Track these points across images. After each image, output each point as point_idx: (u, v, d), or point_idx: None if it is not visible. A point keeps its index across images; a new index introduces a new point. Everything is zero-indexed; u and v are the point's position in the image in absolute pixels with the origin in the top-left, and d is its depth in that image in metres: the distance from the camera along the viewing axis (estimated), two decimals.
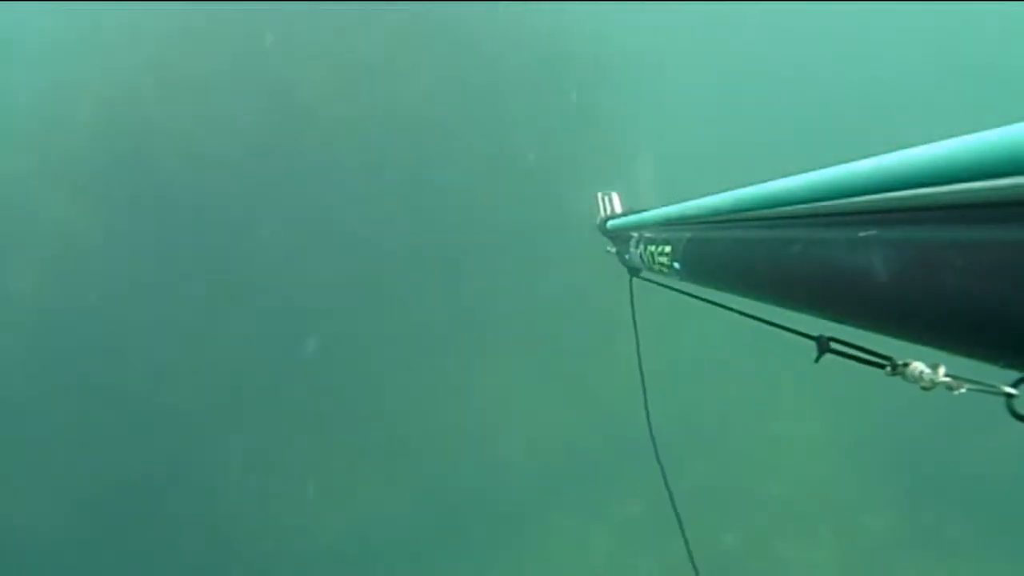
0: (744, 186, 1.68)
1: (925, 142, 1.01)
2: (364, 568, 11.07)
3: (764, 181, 1.58)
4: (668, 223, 2.51)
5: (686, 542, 2.82)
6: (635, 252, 2.94)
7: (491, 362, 12.70)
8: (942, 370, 1.32)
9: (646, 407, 3.39)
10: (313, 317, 12.26)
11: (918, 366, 1.33)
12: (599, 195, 3.86)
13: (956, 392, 1.33)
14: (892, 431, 12.50)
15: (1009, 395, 1.22)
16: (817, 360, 1.58)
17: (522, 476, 11.79)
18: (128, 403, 11.36)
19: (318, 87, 13.74)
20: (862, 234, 1.23)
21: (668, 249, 2.42)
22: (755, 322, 2.00)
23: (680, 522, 2.92)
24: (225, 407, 11.51)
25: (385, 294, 12.72)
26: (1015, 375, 1.17)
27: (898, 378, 1.38)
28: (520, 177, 13.89)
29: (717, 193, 1.85)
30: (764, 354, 13.30)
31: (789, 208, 1.47)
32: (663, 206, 2.54)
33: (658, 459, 3.20)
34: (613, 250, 3.56)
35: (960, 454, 12.08)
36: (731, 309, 2.12)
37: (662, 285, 2.73)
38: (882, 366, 1.42)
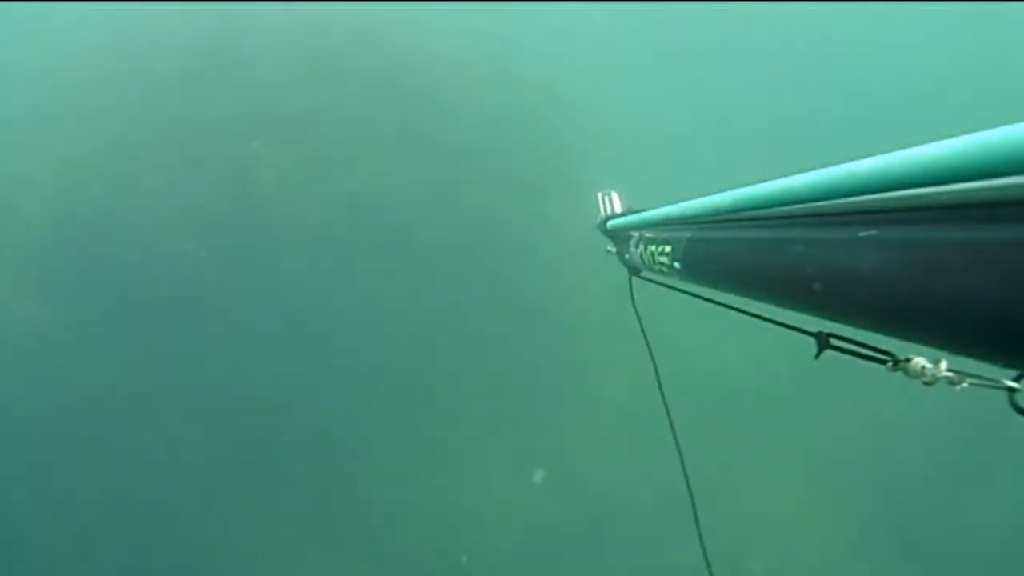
0: (744, 186, 1.68)
1: (925, 142, 1.01)
2: None
3: (764, 181, 1.58)
4: (668, 223, 2.52)
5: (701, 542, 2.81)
6: (635, 252, 2.95)
7: (465, 443, 12.28)
8: (943, 365, 1.31)
9: (668, 416, 3.37)
10: (282, 407, 11.70)
11: (920, 361, 1.33)
12: (599, 195, 3.86)
13: (958, 387, 1.33)
14: (878, 497, 12.38)
15: (1011, 389, 1.22)
16: (817, 356, 1.57)
17: (500, 558, 11.44)
18: (98, 495, 10.78)
19: (276, 172, 13.39)
20: (863, 234, 1.23)
21: (668, 249, 2.42)
22: (753, 321, 2.00)
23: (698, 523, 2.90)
24: (194, 493, 10.95)
25: (353, 379, 12.16)
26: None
27: (898, 376, 1.38)
28: (494, 240, 13.56)
29: (718, 193, 1.85)
30: (738, 425, 13.09)
31: (789, 208, 1.47)
32: (663, 206, 2.54)
33: (685, 476, 3.17)
34: (613, 250, 3.57)
35: (949, 518, 12.05)
36: (731, 308, 2.12)
37: (662, 284, 2.73)
38: (883, 361, 1.42)
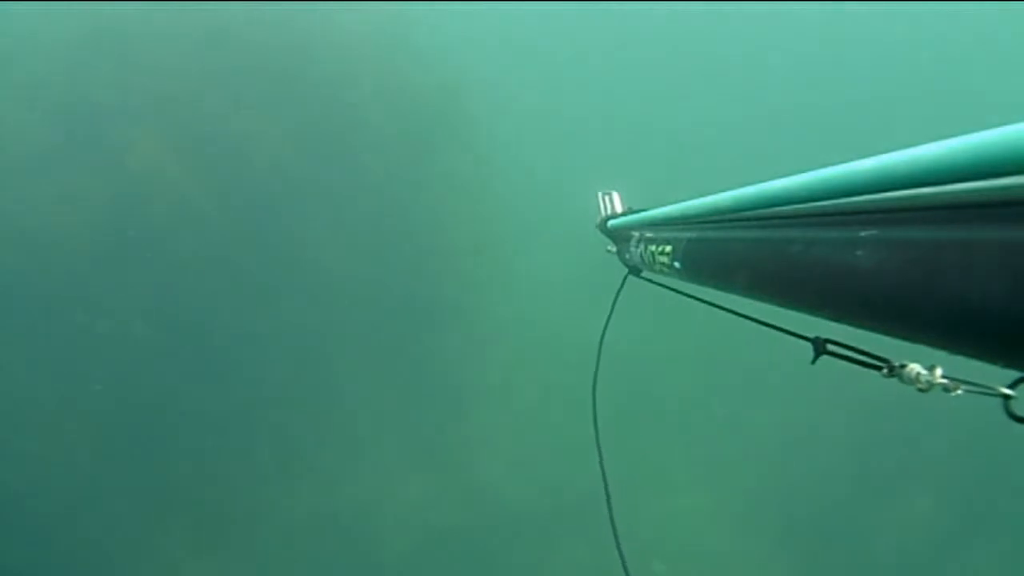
0: (744, 186, 1.68)
1: (924, 142, 1.01)
2: None
3: (764, 181, 1.58)
4: (668, 222, 2.51)
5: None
6: (635, 251, 2.95)
7: (367, 447, 12.09)
8: (939, 372, 1.32)
9: (594, 412, 3.37)
10: (167, 407, 11.20)
11: (915, 368, 1.33)
12: (600, 194, 3.85)
13: (953, 394, 1.33)
14: (784, 502, 12.29)
15: (1007, 396, 1.22)
16: (814, 361, 1.57)
17: (396, 560, 11.32)
18: None
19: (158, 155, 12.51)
20: (863, 233, 1.23)
21: (668, 249, 2.42)
22: (750, 325, 2.00)
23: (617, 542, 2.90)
24: (78, 496, 10.50)
25: (242, 378, 11.72)
26: (1012, 376, 1.17)
27: (895, 380, 1.38)
28: (392, 239, 13.20)
29: (717, 193, 1.85)
30: (649, 425, 12.91)
31: (790, 208, 1.47)
32: (664, 205, 2.54)
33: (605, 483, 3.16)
34: (613, 249, 3.56)
35: (853, 525, 11.99)
36: (728, 310, 2.12)
37: (662, 285, 2.73)
38: (879, 368, 1.42)
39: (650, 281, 2.98)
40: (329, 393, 12.16)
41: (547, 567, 11.60)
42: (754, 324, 1.98)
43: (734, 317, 2.11)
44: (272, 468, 11.47)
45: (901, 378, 1.36)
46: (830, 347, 1.53)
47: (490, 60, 15.95)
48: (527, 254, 14.53)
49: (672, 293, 2.61)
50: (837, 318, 1.39)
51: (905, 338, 1.18)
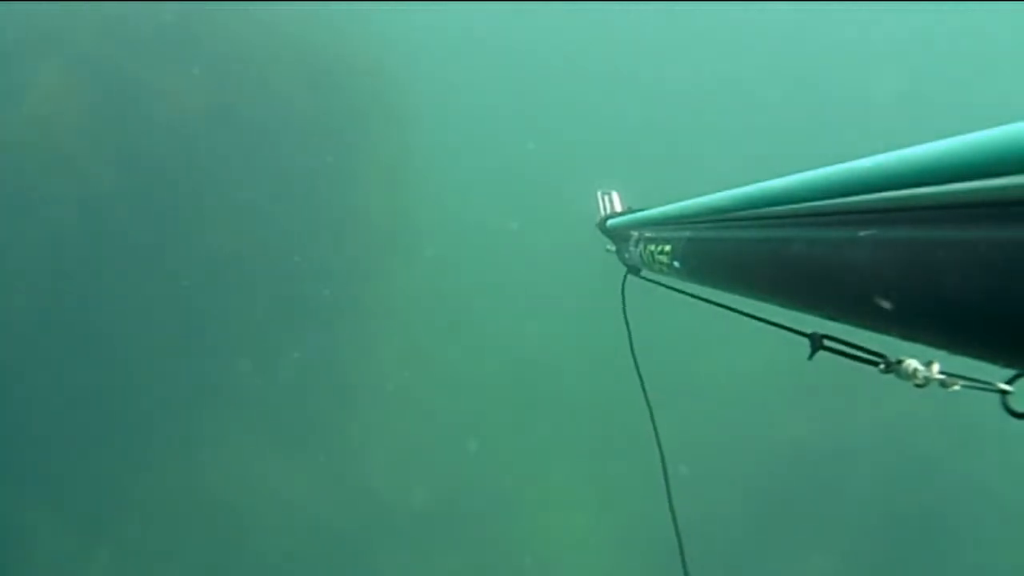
0: (744, 186, 1.68)
1: (924, 141, 1.01)
2: None
3: (764, 181, 1.58)
4: (668, 222, 2.52)
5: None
6: (635, 251, 2.95)
7: (232, 436, 11.76)
8: (936, 367, 1.32)
9: (652, 419, 3.34)
10: (47, 396, 10.77)
11: (912, 363, 1.33)
12: (599, 193, 3.85)
13: (950, 389, 1.33)
14: (662, 524, 12.08)
15: (1004, 392, 1.22)
16: (811, 357, 1.57)
17: (266, 557, 11.09)
18: None
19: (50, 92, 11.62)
20: (862, 233, 1.23)
21: (668, 248, 2.42)
22: (750, 322, 2.00)
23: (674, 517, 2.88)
24: None
25: (126, 369, 11.28)
26: (1010, 371, 1.17)
27: (892, 376, 1.38)
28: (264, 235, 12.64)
29: (717, 192, 1.85)
30: (534, 440, 12.81)
31: (789, 207, 1.47)
32: (663, 205, 2.54)
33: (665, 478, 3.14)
34: (613, 249, 3.56)
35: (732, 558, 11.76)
36: (726, 307, 2.12)
37: (661, 284, 2.73)
38: (875, 363, 1.42)
39: (649, 280, 2.98)
40: (209, 381, 11.74)
41: (422, 570, 11.49)
42: (753, 321, 1.99)
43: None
44: (144, 460, 11.10)
45: (898, 373, 1.36)
46: (827, 343, 1.53)
47: (423, 42, 15.50)
48: (435, 249, 14.32)
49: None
50: (836, 317, 1.39)
51: (904, 337, 1.18)
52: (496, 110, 16.86)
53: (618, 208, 3.75)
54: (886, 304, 1.13)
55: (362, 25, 14.49)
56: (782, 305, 1.60)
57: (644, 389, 3.35)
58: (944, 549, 12.00)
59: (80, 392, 10.93)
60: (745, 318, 1.90)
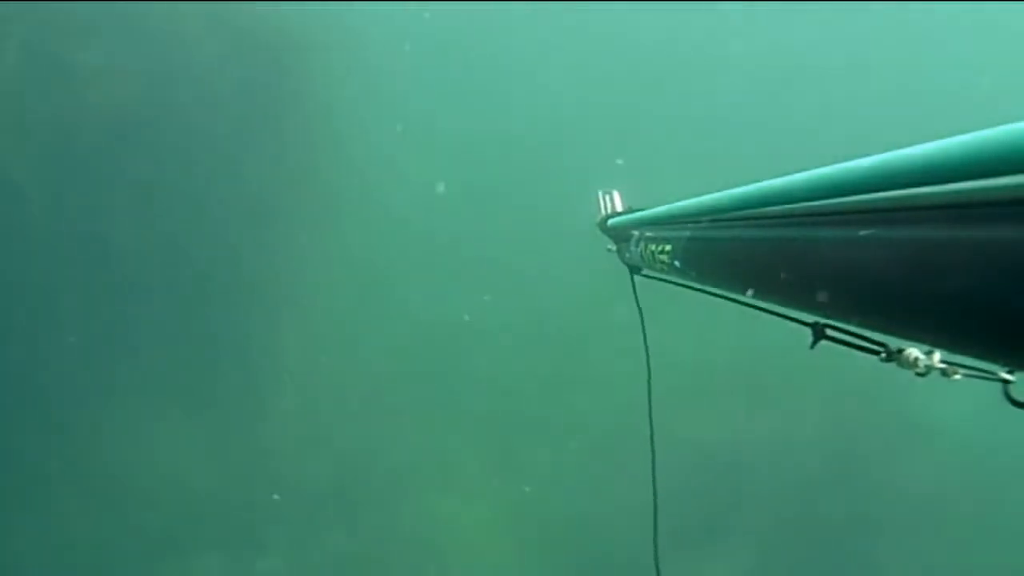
0: (744, 185, 1.68)
1: (924, 141, 1.02)
2: None
3: (764, 180, 1.58)
4: (668, 221, 2.52)
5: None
6: (635, 250, 2.95)
7: (129, 406, 11.53)
8: (937, 356, 1.32)
9: (651, 420, 3.34)
10: None
11: (913, 352, 1.33)
12: (600, 193, 3.86)
13: (951, 378, 1.33)
14: (561, 520, 11.79)
15: (1006, 381, 1.22)
16: (813, 346, 1.57)
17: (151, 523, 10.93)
18: None
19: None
20: (862, 233, 1.23)
21: (668, 247, 2.42)
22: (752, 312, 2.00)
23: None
24: None
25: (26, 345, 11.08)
26: None
27: (892, 365, 1.39)
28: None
29: (718, 192, 1.85)
30: (439, 423, 12.55)
31: (789, 207, 1.47)
32: (664, 204, 2.55)
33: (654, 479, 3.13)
34: (613, 248, 3.57)
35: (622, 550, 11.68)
36: (729, 298, 2.12)
37: (663, 280, 2.74)
38: (877, 352, 1.42)
39: (650, 278, 2.99)
40: (113, 363, 11.54)
41: (309, 547, 11.35)
42: (756, 311, 1.99)
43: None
44: (37, 421, 10.91)
45: (899, 362, 1.36)
46: (829, 332, 1.53)
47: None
48: (350, 232, 13.99)
49: None
50: (836, 317, 1.39)
51: (905, 337, 1.18)
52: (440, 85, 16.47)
53: (619, 208, 3.75)
54: (885, 304, 1.13)
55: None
56: (782, 304, 1.60)
57: (650, 387, 3.35)
58: (861, 551, 11.89)
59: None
60: (749, 308, 1.90)
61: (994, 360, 1.00)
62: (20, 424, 10.76)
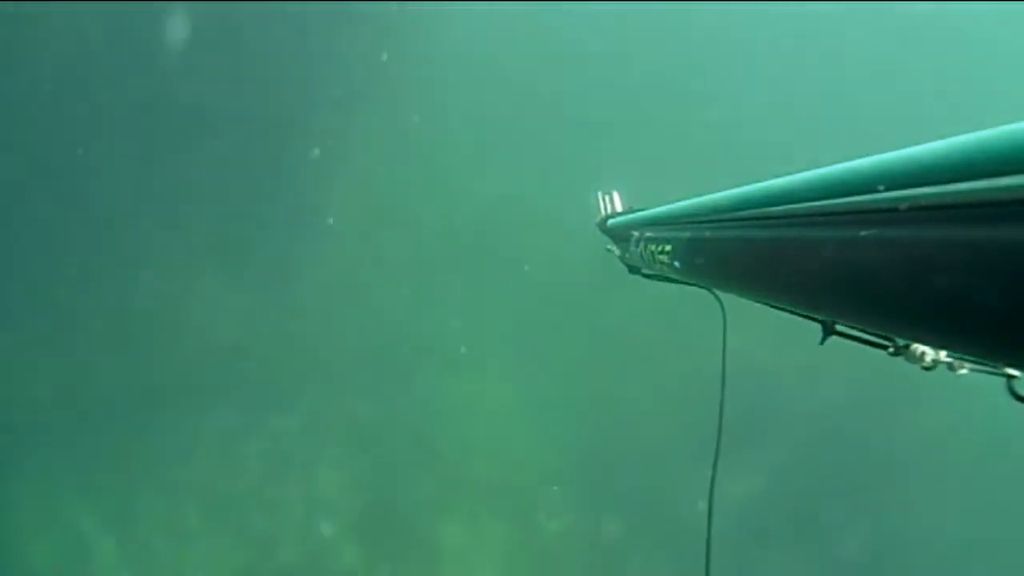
0: (744, 185, 1.68)
1: (925, 141, 1.01)
2: None
3: (764, 180, 1.58)
4: (668, 222, 2.52)
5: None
6: (635, 251, 2.95)
7: (168, 259, 11.41)
8: (943, 351, 1.34)
9: (721, 413, 3.26)
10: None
11: (919, 347, 1.36)
12: (599, 194, 3.86)
13: (957, 373, 1.35)
14: (590, 410, 11.75)
15: (1010, 376, 1.23)
16: (822, 341, 1.60)
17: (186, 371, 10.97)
18: None
19: None
20: (863, 233, 1.23)
21: (668, 248, 2.42)
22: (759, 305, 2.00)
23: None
24: None
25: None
26: None
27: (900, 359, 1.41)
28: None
29: (718, 192, 1.85)
30: (477, 299, 12.39)
31: (789, 207, 1.47)
32: (664, 205, 2.55)
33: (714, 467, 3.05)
34: (613, 248, 3.57)
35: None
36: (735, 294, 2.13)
37: (663, 280, 2.73)
38: (884, 347, 1.44)
39: (651, 278, 2.99)
40: (156, 214, 11.45)
41: (335, 407, 11.34)
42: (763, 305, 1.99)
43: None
44: (87, 272, 10.95)
45: (906, 356, 1.39)
46: (838, 327, 1.55)
47: None
48: (405, 104, 13.81)
49: None
50: (837, 318, 1.39)
51: (906, 338, 1.18)
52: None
53: (619, 208, 3.75)
54: (886, 305, 1.13)
55: None
56: (782, 306, 1.60)
57: (723, 396, 3.25)
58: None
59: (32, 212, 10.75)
60: (756, 303, 1.91)
61: (999, 361, 0.99)
62: (54, 265, 10.79)
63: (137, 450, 10.60)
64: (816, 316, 1.49)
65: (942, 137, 0.97)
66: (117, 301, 11.14)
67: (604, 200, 3.84)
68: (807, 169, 1.37)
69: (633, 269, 3.26)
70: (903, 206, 1.13)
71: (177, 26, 11.74)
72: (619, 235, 3.38)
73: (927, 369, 1.37)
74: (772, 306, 1.86)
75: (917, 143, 1.03)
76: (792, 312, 1.74)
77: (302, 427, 11.24)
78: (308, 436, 11.24)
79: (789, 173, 1.44)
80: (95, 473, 10.47)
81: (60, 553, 10.14)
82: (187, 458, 10.76)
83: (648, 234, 2.79)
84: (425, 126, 14.01)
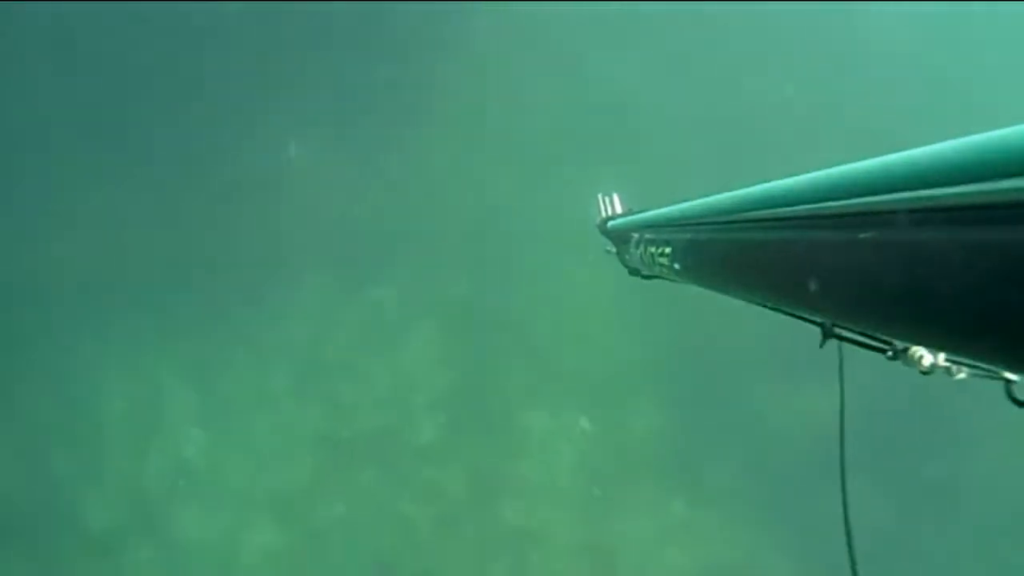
0: (744, 186, 1.67)
1: (926, 143, 1.01)
2: None
3: (764, 182, 1.58)
4: (668, 224, 2.52)
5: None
6: (635, 253, 2.95)
7: (271, 121, 11.28)
8: (942, 355, 1.34)
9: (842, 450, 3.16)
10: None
11: (918, 350, 1.37)
12: (600, 195, 3.86)
13: (956, 377, 1.36)
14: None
15: (1009, 381, 1.23)
16: (822, 345, 1.60)
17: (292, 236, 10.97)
18: None
19: None
20: (863, 236, 1.22)
21: (668, 250, 2.42)
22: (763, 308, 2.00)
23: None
24: None
25: None
26: None
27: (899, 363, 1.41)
28: None
29: (718, 193, 1.84)
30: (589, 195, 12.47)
31: (790, 209, 1.46)
32: (664, 207, 2.54)
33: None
34: (613, 250, 3.56)
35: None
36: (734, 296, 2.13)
37: (666, 278, 2.73)
38: (883, 350, 1.45)
39: (650, 278, 2.99)
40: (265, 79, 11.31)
41: (425, 285, 11.28)
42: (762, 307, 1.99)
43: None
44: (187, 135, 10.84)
45: (905, 360, 1.39)
46: (837, 330, 1.56)
47: None
48: None
49: None
50: (838, 320, 1.39)
51: (907, 340, 1.18)
52: None
53: (619, 210, 3.75)
54: (886, 308, 1.13)
55: None
56: (783, 308, 1.59)
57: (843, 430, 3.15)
58: None
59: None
60: (756, 305, 1.91)
61: (998, 365, 0.99)
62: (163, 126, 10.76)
63: (232, 313, 10.67)
64: (815, 319, 1.48)
65: (943, 139, 0.97)
66: (223, 169, 11.03)
67: (604, 202, 3.84)
68: (808, 171, 1.37)
69: (633, 271, 3.26)
70: (903, 208, 1.13)
71: None
72: (619, 237, 3.38)
73: (925, 373, 1.37)
74: (771, 308, 1.86)
75: (919, 145, 1.02)
76: (791, 315, 1.74)
77: (397, 300, 11.19)
78: (402, 309, 11.19)
79: (790, 175, 1.44)
80: (184, 333, 10.54)
81: (138, 402, 10.21)
82: (279, 323, 10.81)
83: (648, 236, 2.79)
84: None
